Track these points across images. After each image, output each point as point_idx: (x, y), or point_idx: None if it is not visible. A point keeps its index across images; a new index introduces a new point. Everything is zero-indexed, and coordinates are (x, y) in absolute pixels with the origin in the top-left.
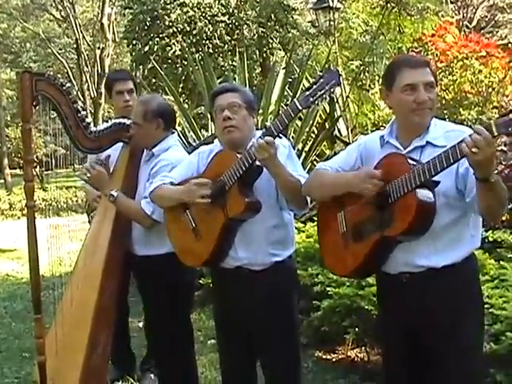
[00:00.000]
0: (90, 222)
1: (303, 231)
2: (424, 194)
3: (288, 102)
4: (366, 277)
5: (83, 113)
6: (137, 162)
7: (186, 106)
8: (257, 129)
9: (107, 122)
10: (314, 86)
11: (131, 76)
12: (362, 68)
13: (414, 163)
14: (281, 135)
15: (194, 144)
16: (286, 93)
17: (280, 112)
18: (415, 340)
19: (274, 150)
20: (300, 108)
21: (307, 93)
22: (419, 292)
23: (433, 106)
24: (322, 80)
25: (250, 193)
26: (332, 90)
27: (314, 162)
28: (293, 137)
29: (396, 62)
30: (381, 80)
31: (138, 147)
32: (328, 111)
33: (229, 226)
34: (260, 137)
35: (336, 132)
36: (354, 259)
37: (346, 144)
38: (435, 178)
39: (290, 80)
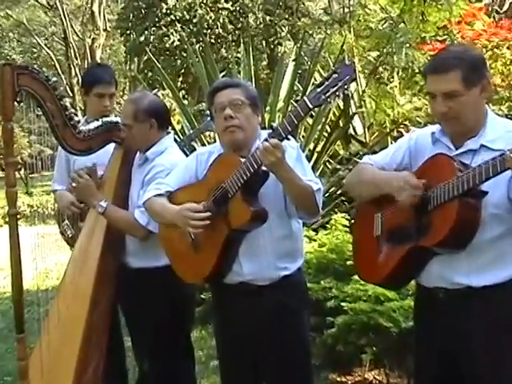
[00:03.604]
0: (61, 233)
1: (315, 240)
2: (467, 203)
3: (298, 98)
4: (397, 287)
5: (71, 110)
6: (130, 166)
7: (185, 102)
8: (262, 128)
9: (98, 120)
10: (327, 82)
11: (114, 76)
12: (380, 59)
13: (462, 168)
14: (289, 137)
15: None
16: (295, 88)
17: (289, 110)
18: (449, 361)
19: (282, 154)
20: (311, 107)
21: (319, 89)
22: (455, 312)
23: (458, 114)
24: (335, 75)
25: (256, 201)
26: (346, 86)
27: (327, 164)
28: (303, 136)
29: (428, 63)
30: (401, 73)
31: (131, 149)
32: (342, 107)
33: (232, 237)
34: (266, 139)
35: (351, 131)
36: (386, 265)
37: (362, 144)
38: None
39: (300, 73)
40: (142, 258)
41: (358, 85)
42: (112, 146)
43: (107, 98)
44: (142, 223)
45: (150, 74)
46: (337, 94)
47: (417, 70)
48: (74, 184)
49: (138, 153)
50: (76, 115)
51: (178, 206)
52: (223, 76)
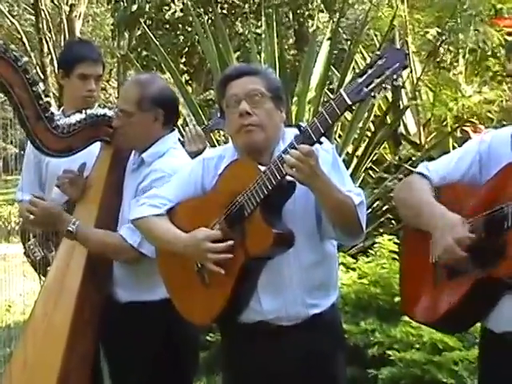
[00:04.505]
0: (26, 254)
1: (353, 269)
2: None
3: (333, 87)
4: (458, 330)
5: (47, 99)
6: (121, 170)
7: (189, 89)
8: (287, 125)
9: (80, 112)
10: (370, 70)
11: (101, 54)
12: (441, 38)
13: None
14: (321, 140)
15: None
16: (330, 74)
17: (321, 104)
18: None
19: (315, 162)
20: (349, 103)
21: (360, 80)
22: None
23: None
24: (381, 61)
25: (279, 220)
26: (396, 75)
27: (370, 172)
28: (340, 135)
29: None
30: (468, 55)
31: (124, 149)
32: (391, 99)
33: (250, 267)
34: (293, 143)
35: (401, 129)
36: (443, 301)
37: (416, 146)
38: None
39: (337, 54)
40: (134, 290)
41: (411, 71)
42: (97, 146)
43: (93, 80)
44: (131, 243)
45: (144, 52)
46: (383, 85)
47: (489, 52)
48: (30, 216)
49: (133, 154)
50: (51, 105)
51: (187, 234)
52: (238, 57)
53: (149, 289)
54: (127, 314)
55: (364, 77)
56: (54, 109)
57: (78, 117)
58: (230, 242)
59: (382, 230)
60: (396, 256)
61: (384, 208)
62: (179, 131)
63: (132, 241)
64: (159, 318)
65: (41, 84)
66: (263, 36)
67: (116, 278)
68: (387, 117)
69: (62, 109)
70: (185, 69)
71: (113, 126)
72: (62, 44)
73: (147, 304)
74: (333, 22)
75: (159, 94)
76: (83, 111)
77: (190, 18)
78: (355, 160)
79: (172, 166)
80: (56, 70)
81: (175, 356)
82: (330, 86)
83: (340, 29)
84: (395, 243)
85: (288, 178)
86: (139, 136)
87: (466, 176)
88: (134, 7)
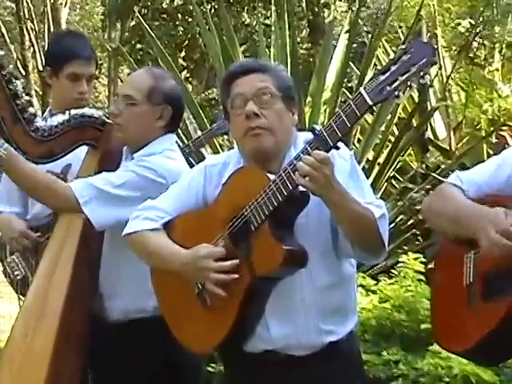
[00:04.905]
0: (6, 273)
1: (374, 292)
2: None
3: (352, 85)
4: (495, 360)
5: (26, 98)
6: None
7: (189, 87)
8: (300, 129)
9: (63, 113)
10: (394, 67)
11: (94, 50)
12: (475, 30)
13: None
14: (338, 145)
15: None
16: (349, 71)
17: (338, 108)
18: None
19: (331, 171)
20: (370, 103)
21: (382, 77)
22: None
23: None
24: (406, 56)
25: (290, 235)
26: (423, 73)
27: (393, 181)
28: (359, 140)
29: None
30: (505, 50)
31: (113, 154)
32: (417, 100)
33: (256, 288)
34: (306, 149)
35: (429, 134)
36: (478, 327)
37: (446, 153)
38: None
39: (356, 48)
40: (127, 305)
41: (441, 67)
42: (83, 150)
43: (84, 81)
44: (77, 198)
45: (138, 46)
46: (409, 84)
47: None
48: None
49: (124, 159)
50: (32, 106)
51: (187, 251)
52: (245, 52)
53: (147, 302)
54: (120, 333)
55: (387, 74)
56: (33, 109)
57: (60, 118)
58: (236, 261)
59: (406, 248)
60: (422, 277)
61: (409, 222)
62: (178, 134)
63: (79, 195)
64: (157, 339)
65: (19, 81)
66: (273, 28)
67: (106, 293)
68: (413, 119)
69: (48, 109)
70: (184, 64)
71: (109, 114)
72: (46, 35)
73: (144, 321)
74: (352, 11)
75: (171, 91)
76: (66, 112)
77: (191, 7)
78: (376, 168)
79: (166, 167)
80: (39, 66)
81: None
82: (349, 85)
83: (360, 20)
84: (422, 262)
85: (300, 188)
86: (137, 131)
87: (506, 185)
88: None
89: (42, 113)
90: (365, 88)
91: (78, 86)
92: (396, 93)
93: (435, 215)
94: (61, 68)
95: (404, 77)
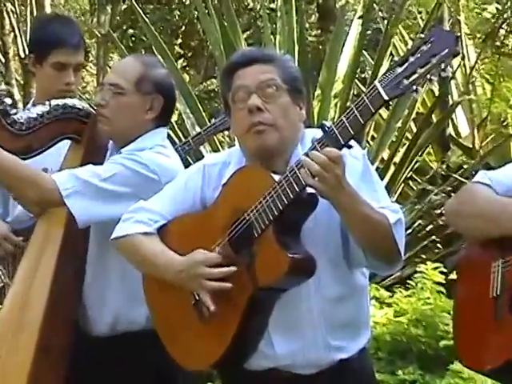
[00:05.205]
0: None
1: (389, 305)
2: None
3: (365, 76)
4: None
5: (2, 87)
6: None
7: (186, 77)
8: (308, 126)
9: (43, 104)
10: (412, 58)
11: (83, 37)
12: (502, 17)
13: None
14: (351, 143)
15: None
16: (362, 60)
17: (350, 102)
18: None
19: (341, 171)
20: (386, 98)
21: (399, 70)
22: None
23: None
24: (425, 46)
25: (297, 242)
26: (444, 65)
27: (411, 183)
28: (373, 137)
29: None
30: None
31: (98, 149)
32: (437, 94)
33: (259, 300)
34: (314, 146)
35: (450, 130)
36: (506, 344)
37: (468, 151)
38: None
39: (370, 35)
40: (115, 318)
41: (464, 58)
42: (65, 145)
43: (71, 70)
44: (60, 190)
45: (130, 31)
46: (428, 77)
47: None
48: None
49: (108, 155)
50: (11, 96)
51: (182, 257)
52: (248, 38)
53: (138, 312)
54: (104, 349)
55: (404, 66)
56: (10, 100)
57: (39, 109)
58: (233, 268)
59: (424, 256)
60: (442, 289)
61: (428, 228)
62: (173, 130)
63: (62, 187)
64: (149, 355)
65: None
66: (279, 12)
67: (89, 303)
68: (433, 115)
69: (32, 101)
70: (181, 52)
71: (95, 104)
72: (29, 19)
73: (134, 334)
74: None
75: (162, 79)
76: (47, 102)
77: None
78: (392, 168)
79: (158, 163)
80: (20, 52)
81: None
82: (362, 76)
83: (375, 4)
84: (441, 273)
85: (308, 189)
86: (125, 123)
87: None
88: None
89: (25, 104)
90: (380, 81)
91: (64, 76)
92: (414, 87)
93: (464, 216)
94: (46, 56)
95: (423, 69)
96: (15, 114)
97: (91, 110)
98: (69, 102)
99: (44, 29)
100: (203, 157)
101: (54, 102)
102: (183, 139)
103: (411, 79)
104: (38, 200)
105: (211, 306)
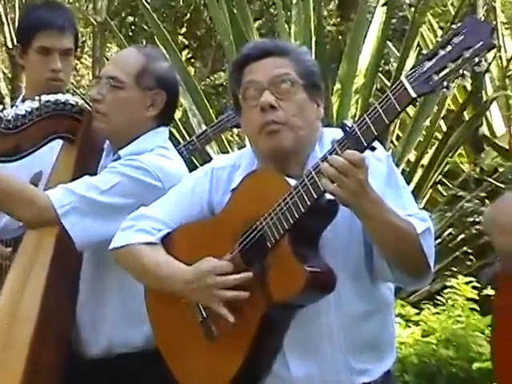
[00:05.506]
0: None
1: (417, 323)
2: None
3: (390, 68)
4: None
5: None
6: (90, 173)
7: (191, 70)
8: (326, 125)
9: (33, 99)
10: (442, 52)
11: (73, 22)
12: None
13: None
14: (374, 145)
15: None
16: (386, 51)
17: (373, 99)
18: None
19: (364, 175)
20: (413, 96)
21: (428, 64)
22: None
23: None
24: (457, 38)
25: (315, 254)
26: (478, 59)
27: (440, 188)
28: (398, 137)
29: None
30: None
31: (96, 146)
32: (470, 90)
33: (273, 317)
34: (333, 148)
35: (484, 130)
36: None
37: (505, 152)
38: None
39: (396, 24)
40: (110, 338)
41: (500, 49)
42: (59, 145)
43: (57, 55)
44: (56, 208)
45: (129, 19)
46: (460, 72)
47: None
48: None
49: (104, 156)
50: None
51: (188, 267)
52: (260, 28)
53: (134, 334)
54: (99, 373)
55: (434, 60)
56: None
57: (28, 106)
58: (249, 274)
59: (455, 269)
60: (475, 306)
61: (459, 238)
62: (177, 129)
63: (58, 205)
64: (148, 376)
65: None
66: (294, 0)
67: (81, 322)
68: (465, 112)
69: (21, 96)
70: (186, 43)
71: (91, 98)
72: (17, 6)
73: (131, 356)
74: None
75: (165, 73)
76: (36, 98)
77: None
78: (419, 171)
79: (161, 168)
80: (8, 42)
81: None
82: (386, 68)
83: None
84: (474, 288)
85: (327, 195)
86: (124, 121)
87: None
88: None
89: (13, 100)
90: (407, 77)
91: (49, 61)
92: (445, 83)
93: (502, 231)
94: (30, 41)
95: (455, 64)
96: (1, 110)
97: (86, 106)
98: (61, 97)
99: (29, 15)
100: (210, 158)
101: (44, 98)
102: (188, 139)
103: (441, 75)
104: (34, 220)
105: (230, 317)
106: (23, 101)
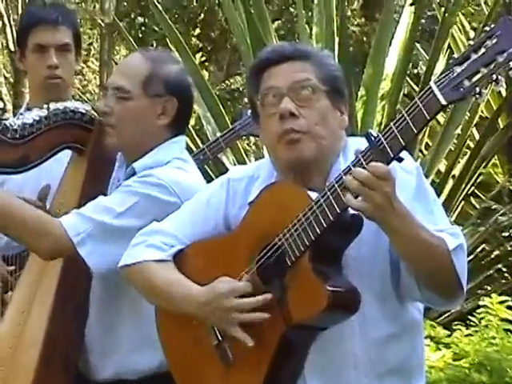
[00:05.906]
0: None
1: (447, 345)
2: None
3: (419, 72)
4: None
5: None
6: (102, 185)
7: (205, 74)
8: (350, 134)
9: (40, 107)
10: (474, 56)
11: (72, 19)
12: None
13: None
14: (401, 156)
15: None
16: (415, 53)
17: (400, 105)
18: None
19: (391, 188)
20: (443, 103)
21: (459, 69)
22: None
23: None
24: (490, 42)
25: (337, 272)
26: None
27: (472, 200)
28: (427, 146)
29: None
30: None
31: (107, 157)
32: (504, 94)
33: (293, 339)
34: (358, 159)
35: None
36: None
37: None
38: None
39: (424, 24)
40: (118, 361)
41: None
42: (65, 157)
43: (53, 51)
44: (71, 237)
45: (139, 20)
46: (494, 78)
47: None
48: None
49: (117, 167)
50: (0, 98)
51: (203, 288)
52: (279, 29)
53: (144, 356)
54: None
55: (466, 64)
56: (1, 103)
57: (36, 114)
58: (268, 296)
59: (489, 288)
60: (511, 327)
61: (493, 254)
62: (191, 137)
63: (73, 233)
64: None
65: None
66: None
67: (91, 347)
68: (499, 119)
69: (25, 103)
70: (200, 45)
71: (96, 113)
72: (20, 6)
73: (141, 380)
74: None
75: (175, 78)
76: (44, 106)
77: None
78: (450, 183)
79: (178, 182)
80: (10, 45)
81: None
82: (414, 72)
83: None
84: (509, 307)
85: (351, 210)
86: (134, 133)
87: None
88: None
89: (14, 106)
90: (436, 82)
91: (44, 59)
92: (477, 89)
93: None
94: (25, 43)
95: (487, 69)
96: (7, 119)
97: (96, 114)
98: (70, 105)
99: (25, 16)
100: (226, 169)
101: (52, 106)
102: (201, 146)
103: (473, 80)
104: (49, 251)
105: (250, 341)
106: (28, 108)
